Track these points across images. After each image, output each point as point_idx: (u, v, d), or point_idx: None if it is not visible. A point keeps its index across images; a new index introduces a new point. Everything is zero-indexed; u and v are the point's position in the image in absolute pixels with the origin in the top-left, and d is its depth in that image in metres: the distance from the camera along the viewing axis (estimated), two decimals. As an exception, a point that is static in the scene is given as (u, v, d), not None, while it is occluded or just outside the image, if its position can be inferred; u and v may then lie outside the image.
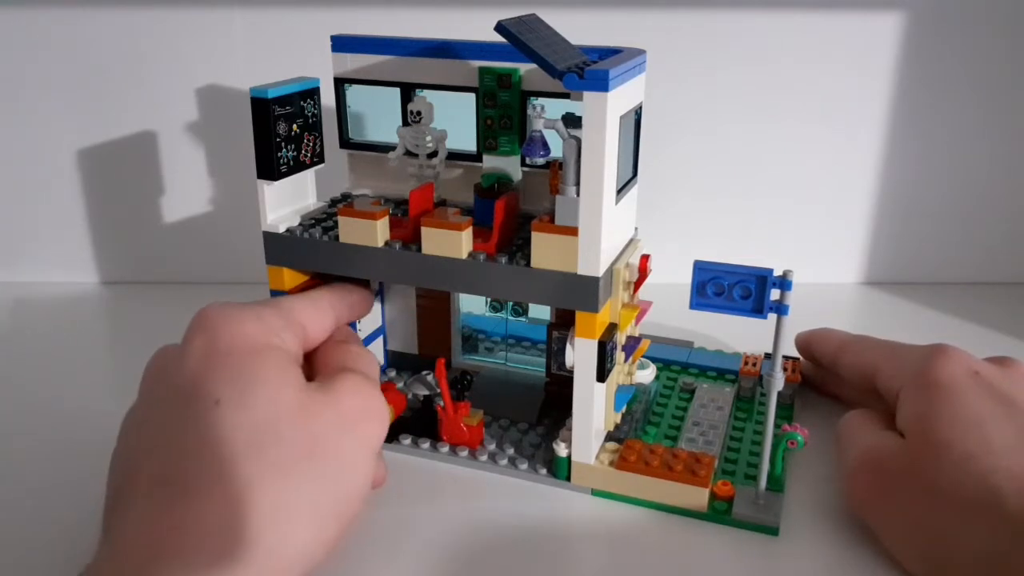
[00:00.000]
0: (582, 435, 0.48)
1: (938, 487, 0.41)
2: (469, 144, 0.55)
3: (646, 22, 0.72)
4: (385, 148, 0.56)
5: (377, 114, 0.57)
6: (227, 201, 0.79)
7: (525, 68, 0.51)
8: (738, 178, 0.77)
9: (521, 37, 0.42)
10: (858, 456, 0.46)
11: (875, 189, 0.78)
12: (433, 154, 0.54)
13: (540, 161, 0.46)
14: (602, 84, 0.41)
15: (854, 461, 0.47)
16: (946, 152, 0.76)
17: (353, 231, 0.49)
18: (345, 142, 0.57)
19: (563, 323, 0.55)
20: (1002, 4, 0.71)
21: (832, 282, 0.80)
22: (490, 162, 0.53)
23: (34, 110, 0.75)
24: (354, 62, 0.54)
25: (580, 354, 0.46)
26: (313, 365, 0.47)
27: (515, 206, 0.50)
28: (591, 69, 0.41)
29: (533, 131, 0.44)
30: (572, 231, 0.44)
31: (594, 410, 0.47)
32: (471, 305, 0.59)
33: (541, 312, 0.58)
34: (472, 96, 0.53)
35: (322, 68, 0.55)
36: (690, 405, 0.57)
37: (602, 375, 0.47)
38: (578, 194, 0.43)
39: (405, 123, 0.54)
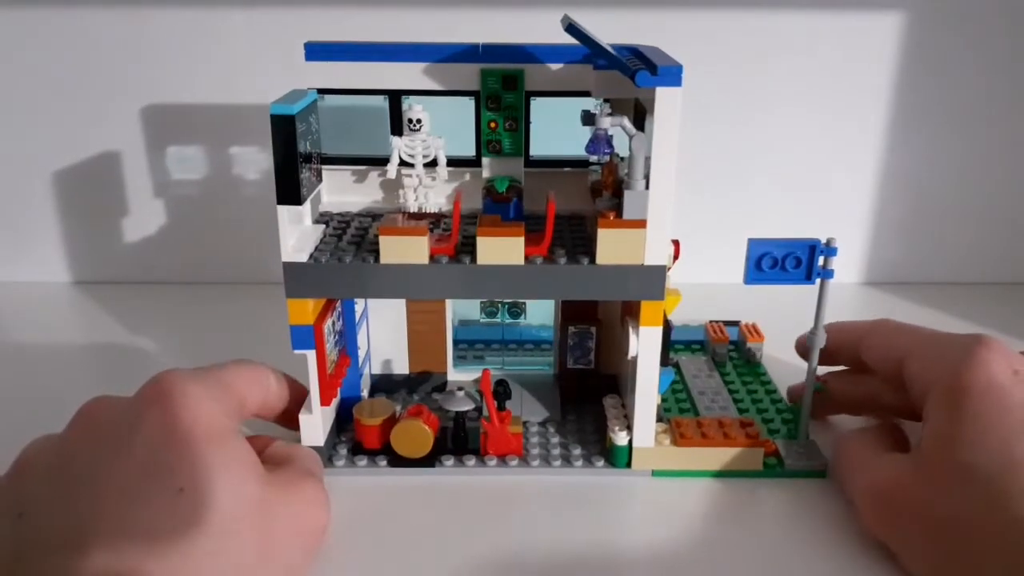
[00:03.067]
0: (645, 419, 0.49)
1: (960, 516, 0.39)
2: (458, 149, 0.53)
3: (644, 22, 0.71)
4: (363, 161, 0.53)
5: (351, 126, 0.54)
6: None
7: (529, 68, 0.51)
8: (737, 178, 0.77)
9: (592, 37, 0.42)
10: (865, 489, 0.44)
11: (875, 189, 0.78)
12: (432, 163, 0.52)
13: (605, 158, 0.47)
14: (676, 79, 0.42)
15: (862, 495, 0.45)
16: (947, 152, 0.77)
17: (396, 250, 0.46)
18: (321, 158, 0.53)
19: (574, 318, 0.56)
20: (1004, 3, 0.72)
21: (832, 282, 0.80)
22: (491, 165, 0.53)
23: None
24: (332, 70, 0.51)
25: (644, 342, 0.48)
26: (267, 454, 0.45)
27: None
28: (664, 65, 0.42)
29: (598, 129, 0.45)
30: (639, 224, 0.45)
31: (656, 394, 0.49)
32: (461, 313, 0.58)
33: (537, 311, 0.58)
34: (456, 99, 0.52)
35: (294, 76, 0.50)
36: (682, 377, 0.60)
37: (666, 359, 0.48)
38: (647, 187, 0.45)
39: (394, 132, 0.52)
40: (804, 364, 0.58)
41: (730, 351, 0.64)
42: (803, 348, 0.56)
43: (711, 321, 0.66)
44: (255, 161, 0.75)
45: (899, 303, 0.77)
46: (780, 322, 0.63)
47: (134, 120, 0.74)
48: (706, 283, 0.68)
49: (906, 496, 0.41)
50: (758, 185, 0.78)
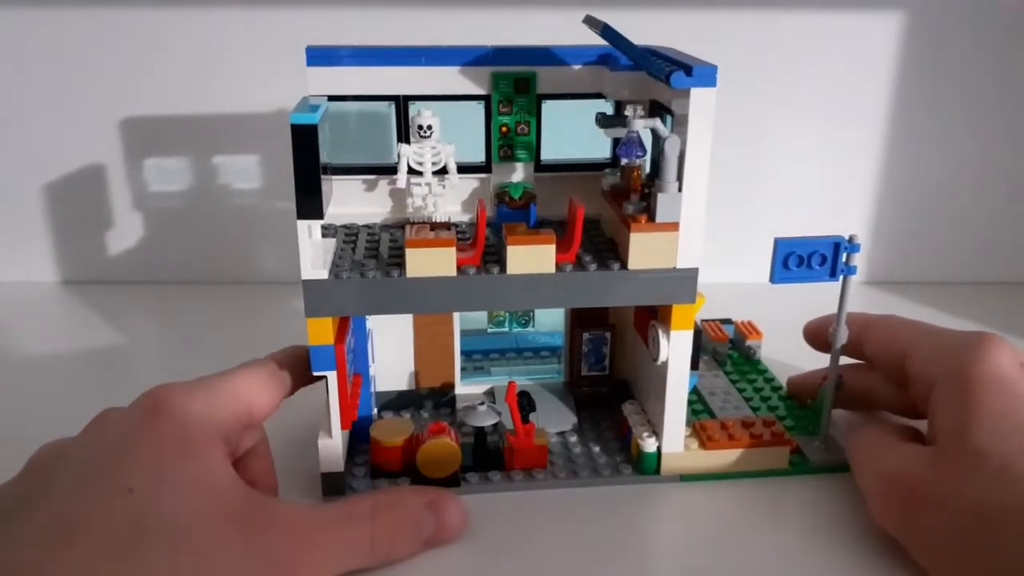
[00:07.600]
0: (674, 425, 0.49)
1: (976, 502, 0.38)
2: (465, 155, 0.51)
3: (643, 22, 0.69)
4: (364, 170, 0.51)
5: (351, 133, 0.51)
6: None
7: (540, 71, 0.49)
8: (737, 178, 0.75)
9: (626, 38, 0.41)
10: (877, 477, 0.44)
11: (875, 189, 0.78)
12: (441, 170, 0.50)
13: (637, 161, 0.45)
14: (711, 80, 0.42)
15: (876, 487, 0.44)
16: (947, 152, 0.77)
17: (423, 263, 0.44)
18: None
19: (586, 323, 0.55)
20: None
21: (833, 282, 0.79)
22: (500, 171, 0.51)
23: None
24: (334, 76, 0.48)
25: (675, 346, 0.47)
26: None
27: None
28: (699, 66, 0.41)
29: (630, 132, 0.44)
30: (671, 227, 0.45)
31: (685, 399, 0.48)
32: (465, 323, 0.56)
33: (545, 318, 0.57)
34: (462, 103, 0.50)
35: (294, 81, 0.48)
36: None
37: (696, 363, 0.48)
38: (680, 189, 0.44)
39: (400, 139, 0.50)
40: (802, 361, 0.59)
41: (728, 349, 0.64)
42: (812, 335, 0.57)
43: (706, 320, 0.66)
44: (245, 168, 0.74)
45: (900, 303, 0.77)
46: (767, 319, 0.65)
47: (125, 125, 0.73)
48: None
49: (920, 485, 0.41)
50: (756, 186, 0.77)
